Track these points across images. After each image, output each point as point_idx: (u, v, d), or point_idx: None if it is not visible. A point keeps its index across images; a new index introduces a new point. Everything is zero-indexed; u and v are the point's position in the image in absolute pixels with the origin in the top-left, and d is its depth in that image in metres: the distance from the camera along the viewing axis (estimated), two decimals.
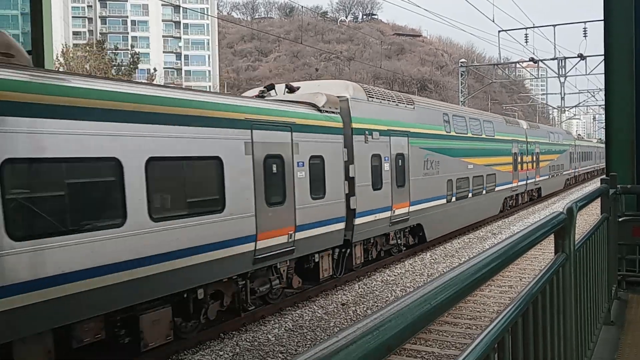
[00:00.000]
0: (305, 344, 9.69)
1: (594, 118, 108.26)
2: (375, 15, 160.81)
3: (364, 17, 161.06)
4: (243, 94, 14.51)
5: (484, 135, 22.28)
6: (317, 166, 12.08)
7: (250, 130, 10.17)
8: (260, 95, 13.36)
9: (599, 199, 5.48)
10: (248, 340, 9.80)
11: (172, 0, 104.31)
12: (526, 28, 38.23)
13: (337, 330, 5.10)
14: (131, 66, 69.07)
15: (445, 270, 1.81)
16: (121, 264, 7.66)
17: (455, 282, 1.56)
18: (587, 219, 17.66)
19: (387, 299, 12.41)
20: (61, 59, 53.69)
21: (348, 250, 13.49)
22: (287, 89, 13.83)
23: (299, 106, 12.27)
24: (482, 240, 19.77)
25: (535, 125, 35.47)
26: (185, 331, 9.38)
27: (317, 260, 12.45)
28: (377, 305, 11.84)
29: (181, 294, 8.98)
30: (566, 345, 3.20)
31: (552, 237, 3.16)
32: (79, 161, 7.27)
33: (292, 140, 11.33)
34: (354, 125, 13.47)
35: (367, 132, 13.97)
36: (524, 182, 27.63)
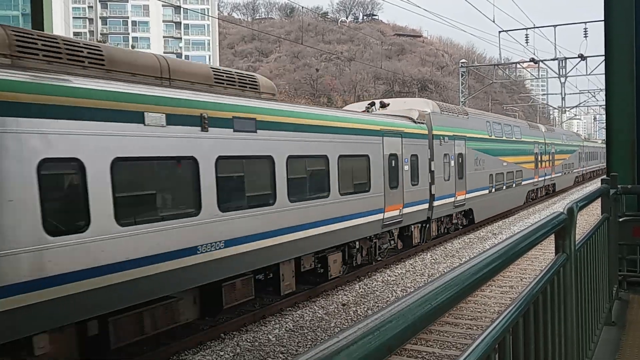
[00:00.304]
0: (306, 345, 9.69)
1: (595, 118, 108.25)
2: (375, 15, 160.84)
3: (365, 17, 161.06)
4: (347, 107, 20.55)
5: (513, 138, 26.53)
6: (414, 162, 16.61)
7: (382, 137, 14.80)
8: (367, 110, 17.90)
9: (600, 199, 5.48)
10: (249, 340, 9.80)
11: (173, 0, 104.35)
12: (527, 28, 38.22)
13: (338, 330, 5.10)
14: None
15: (445, 271, 1.80)
16: (330, 220, 12.55)
17: (456, 282, 1.56)
18: (588, 219, 17.65)
19: (387, 299, 12.41)
20: None
21: (427, 225, 17.95)
22: (380, 105, 18.29)
23: (403, 119, 16.83)
24: (482, 240, 19.77)
25: (551, 128, 40.68)
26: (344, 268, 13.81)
27: (412, 230, 17.06)
28: (377, 306, 11.84)
29: (346, 244, 13.67)
30: (567, 345, 3.20)
31: (552, 237, 3.16)
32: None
33: (402, 143, 15.85)
34: (434, 132, 17.96)
35: (441, 137, 18.44)
36: (543, 178, 31.76)
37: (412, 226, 16.99)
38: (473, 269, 1.70)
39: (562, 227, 3.17)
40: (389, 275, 14.58)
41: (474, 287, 1.69)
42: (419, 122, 17.27)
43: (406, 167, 16.12)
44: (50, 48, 7.50)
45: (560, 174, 36.34)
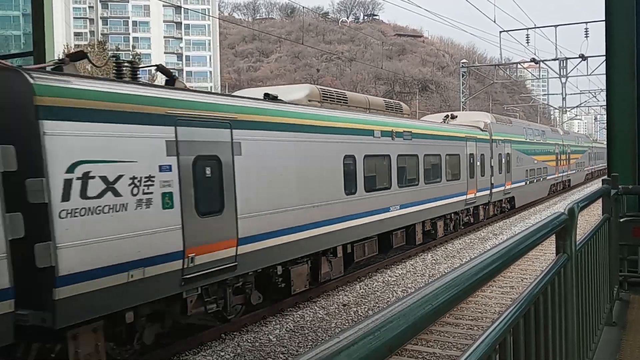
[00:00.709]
0: (307, 345, 9.69)
1: (596, 119, 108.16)
2: (376, 15, 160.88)
3: (365, 17, 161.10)
4: (424, 118, 25.98)
5: (541, 140, 32.46)
6: (482, 159, 22.31)
7: (465, 142, 20.73)
8: (444, 121, 22.48)
9: (600, 200, 5.48)
10: (249, 340, 9.80)
11: (173, 1, 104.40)
12: (527, 28, 38.23)
13: (339, 331, 5.10)
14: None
15: (446, 271, 1.82)
16: (440, 197, 18.32)
17: (457, 282, 1.56)
18: (589, 219, 17.65)
19: (388, 299, 12.41)
20: None
21: (487, 207, 23.60)
22: (450, 117, 23.21)
23: (474, 128, 22.73)
24: (483, 240, 19.77)
25: (567, 131, 48.68)
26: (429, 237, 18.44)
27: (479, 209, 22.85)
28: (378, 306, 11.84)
29: (444, 215, 19.13)
30: (568, 346, 3.20)
31: (553, 237, 3.15)
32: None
33: (476, 146, 21.72)
34: (493, 137, 23.92)
35: (497, 141, 24.34)
36: (561, 175, 37.13)
37: (481, 207, 22.90)
38: (474, 269, 1.70)
39: (562, 228, 3.17)
40: (389, 276, 14.58)
41: (474, 288, 1.69)
42: (484, 130, 23.54)
43: (478, 163, 21.90)
44: (338, 96, 14.33)
45: (574, 172, 41.34)
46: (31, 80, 6.67)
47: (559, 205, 29.25)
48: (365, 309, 11.67)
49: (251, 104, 10.31)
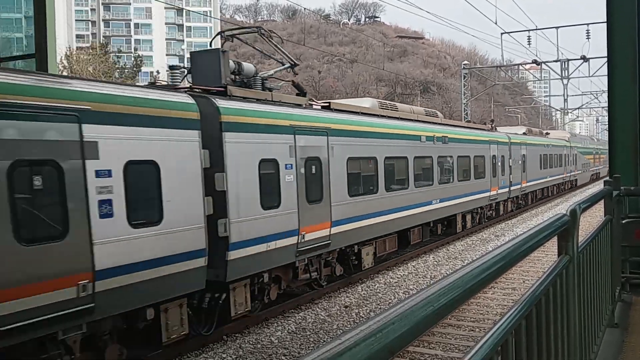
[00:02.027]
0: (308, 347, 9.68)
1: (597, 120, 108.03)
2: (377, 17, 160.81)
3: (367, 19, 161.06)
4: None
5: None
6: (502, 160, 24.97)
7: (489, 145, 23.32)
8: (492, 128, 27.47)
9: (602, 201, 5.47)
10: (251, 342, 9.80)
11: (175, 3, 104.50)
12: (529, 30, 38.18)
13: (340, 332, 5.10)
14: (134, 69, 69.20)
15: (448, 273, 1.81)
16: (469, 193, 20.86)
17: (459, 284, 1.56)
18: (591, 221, 17.61)
19: (390, 301, 12.40)
20: (65, 62, 53.83)
21: (506, 203, 26.38)
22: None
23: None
24: (485, 242, 19.75)
25: (575, 133, 59.53)
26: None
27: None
28: (380, 308, 11.83)
29: (472, 210, 21.88)
30: (570, 347, 3.19)
31: (555, 239, 3.15)
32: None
33: (497, 148, 24.22)
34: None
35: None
36: (569, 174, 41.72)
37: (500, 202, 25.30)
38: (475, 271, 1.70)
39: (564, 229, 3.17)
40: (391, 277, 14.56)
41: (476, 290, 1.68)
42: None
43: (499, 163, 24.33)
44: (391, 107, 17.33)
45: (580, 172, 45.22)
46: (217, 104, 9.54)
47: (561, 207, 29.20)
48: (367, 311, 11.66)
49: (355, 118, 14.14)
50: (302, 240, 11.28)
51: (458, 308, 1.54)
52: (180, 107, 8.78)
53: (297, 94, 13.20)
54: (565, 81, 41.27)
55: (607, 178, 6.60)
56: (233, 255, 9.49)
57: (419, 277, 14.59)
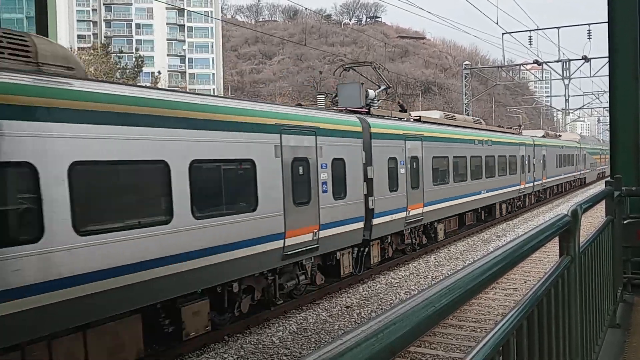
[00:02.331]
0: (310, 347, 9.68)
1: (599, 120, 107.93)
2: (379, 18, 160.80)
3: (368, 20, 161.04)
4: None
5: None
6: (529, 159, 29.01)
7: (519, 146, 27.28)
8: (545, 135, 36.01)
9: (604, 202, 5.47)
10: (252, 343, 9.80)
11: (177, 3, 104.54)
12: (530, 30, 38.15)
13: (342, 333, 5.09)
14: (136, 69, 69.27)
15: (449, 273, 1.82)
16: (506, 186, 25.38)
17: (460, 284, 1.56)
18: (592, 221, 17.60)
19: (391, 301, 12.39)
20: None
21: (530, 195, 30.60)
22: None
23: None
24: (486, 242, 19.74)
25: (584, 135, 64.24)
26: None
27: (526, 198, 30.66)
28: (381, 308, 11.83)
29: (507, 200, 26.13)
30: (571, 348, 3.19)
31: (557, 239, 3.15)
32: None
33: (525, 149, 28.27)
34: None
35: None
36: (580, 172, 46.03)
37: (526, 195, 29.75)
38: (477, 271, 1.70)
39: (566, 230, 3.16)
40: (392, 278, 14.56)
41: (477, 290, 1.68)
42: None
43: (526, 162, 28.64)
44: (452, 117, 22.56)
45: (588, 171, 49.67)
46: (368, 121, 14.26)
47: (562, 207, 29.19)
48: (368, 311, 11.65)
49: (433, 127, 18.67)
50: (408, 215, 16.01)
51: (459, 308, 1.54)
52: (354, 124, 13.66)
53: (400, 111, 18.62)
54: (566, 81, 41.19)
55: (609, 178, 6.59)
56: (375, 221, 14.13)
57: (420, 278, 14.59)
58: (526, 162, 28.61)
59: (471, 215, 22.36)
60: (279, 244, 10.49)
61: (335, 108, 15.20)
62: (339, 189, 12.64)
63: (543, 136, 36.11)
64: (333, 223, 12.28)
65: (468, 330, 10.07)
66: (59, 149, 6.77)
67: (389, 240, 15.57)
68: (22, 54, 7.20)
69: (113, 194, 7.55)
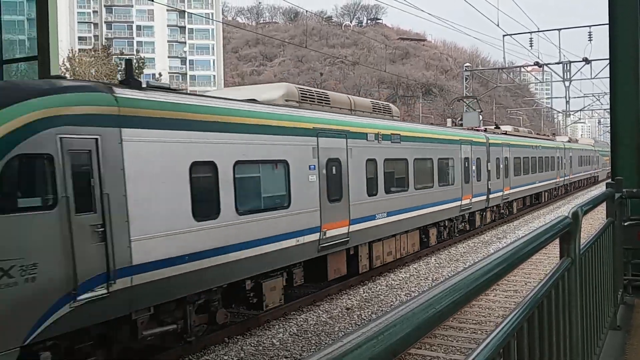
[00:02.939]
0: (310, 349, 9.67)
1: (599, 122, 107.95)
2: (379, 19, 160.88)
3: (369, 21, 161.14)
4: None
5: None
6: (561, 160, 37.54)
7: (556, 150, 36.45)
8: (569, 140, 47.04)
9: (604, 203, 5.46)
10: (252, 344, 9.79)
11: (177, 5, 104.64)
12: (531, 32, 38.17)
13: (342, 334, 5.09)
14: (137, 71, 69.29)
15: (450, 275, 1.80)
16: (536, 181, 31.22)
17: (460, 286, 1.56)
18: (593, 223, 17.59)
19: (392, 303, 12.38)
20: (67, 64, 53.89)
21: (560, 188, 38.50)
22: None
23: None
24: (486, 244, 19.73)
25: (598, 139, 72.85)
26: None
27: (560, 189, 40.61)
28: (381, 310, 11.82)
29: (547, 190, 34.52)
30: (572, 350, 3.19)
31: (557, 241, 3.15)
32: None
33: (557, 151, 36.64)
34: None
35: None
36: (594, 171, 54.54)
37: (559, 187, 37.63)
38: (477, 273, 1.70)
39: (567, 231, 3.16)
40: (393, 280, 14.55)
41: (478, 292, 1.68)
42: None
43: (560, 162, 36.64)
44: (517, 129, 32.68)
45: (601, 170, 57.42)
46: (487, 136, 23.06)
47: (563, 209, 29.20)
48: (369, 313, 11.64)
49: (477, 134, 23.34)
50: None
51: (460, 310, 1.54)
52: (483, 137, 22.14)
53: (495, 128, 27.85)
54: (567, 83, 41.23)
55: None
56: (492, 195, 22.61)
57: (421, 279, 14.58)
58: (560, 162, 37.01)
59: (528, 199, 30.63)
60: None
61: (463, 127, 25.32)
62: (478, 174, 21.38)
63: (568, 141, 45.80)
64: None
65: (468, 332, 10.06)
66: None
67: (497, 205, 24.46)
68: (387, 112, 16.08)
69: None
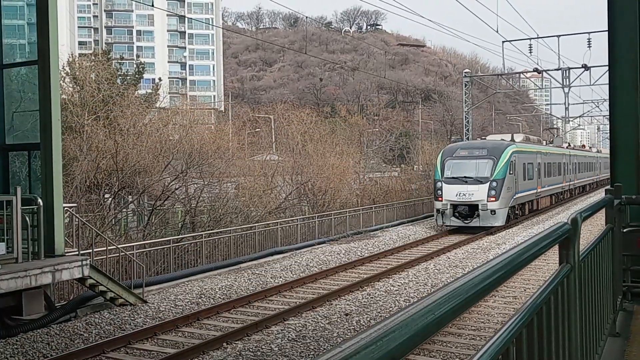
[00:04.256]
0: (309, 354, 9.65)
1: (599, 128, 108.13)
2: (379, 25, 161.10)
3: (368, 27, 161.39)
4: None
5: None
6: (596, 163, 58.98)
7: (595, 157, 57.49)
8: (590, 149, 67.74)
9: (604, 210, 5.46)
10: (251, 349, 9.77)
11: (177, 10, 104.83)
12: (530, 38, 38.28)
13: (341, 340, 5.08)
14: (136, 76, 69.31)
15: (449, 280, 1.80)
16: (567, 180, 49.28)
17: (460, 292, 1.55)
18: (592, 229, 17.59)
19: (390, 309, 12.37)
20: (67, 69, 53.83)
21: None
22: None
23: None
24: (486, 250, 19.71)
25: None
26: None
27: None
28: (380, 316, 11.80)
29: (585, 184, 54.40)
30: (571, 356, 3.18)
31: (556, 247, 3.15)
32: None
33: (597, 159, 59.77)
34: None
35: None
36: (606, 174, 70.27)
37: (593, 183, 55.44)
38: (477, 279, 1.70)
39: (566, 238, 3.16)
40: (391, 285, 14.53)
41: (477, 298, 1.68)
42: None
43: (593, 166, 54.41)
44: (577, 146, 61.52)
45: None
46: (569, 149, 44.50)
47: (562, 215, 29.23)
48: (368, 319, 11.62)
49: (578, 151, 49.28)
50: (564, 185, 40.15)
51: (459, 316, 1.54)
52: (568, 152, 43.15)
53: (567, 146, 46.89)
54: (566, 89, 41.31)
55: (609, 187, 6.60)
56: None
57: (420, 285, 14.56)
58: (594, 166, 51.63)
59: (566, 193, 40.78)
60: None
61: (557, 145, 41.17)
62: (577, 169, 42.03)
63: (598, 150, 61.42)
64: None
65: (467, 339, 10.04)
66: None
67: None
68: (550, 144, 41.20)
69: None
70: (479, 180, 25.06)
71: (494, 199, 24.48)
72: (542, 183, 32.26)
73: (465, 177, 25.39)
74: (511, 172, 25.89)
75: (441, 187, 25.65)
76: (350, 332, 10.81)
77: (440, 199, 25.60)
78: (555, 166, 36.24)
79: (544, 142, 45.03)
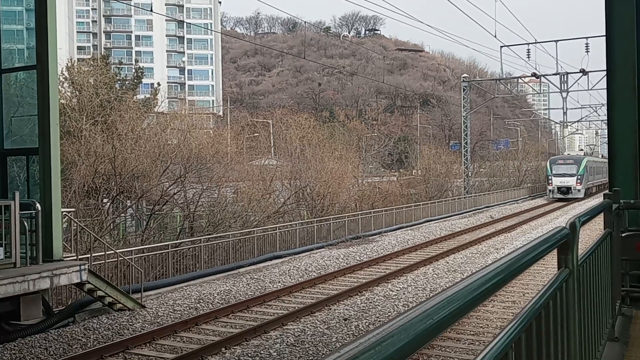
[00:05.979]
0: (307, 359, 9.63)
1: (597, 133, 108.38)
2: (377, 30, 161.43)
3: (367, 32, 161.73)
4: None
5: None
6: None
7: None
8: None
9: (602, 214, 5.46)
10: (250, 354, 9.75)
11: (176, 15, 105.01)
12: (528, 43, 38.41)
13: (339, 345, 5.06)
14: (135, 81, 69.35)
15: (447, 285, 1.79)
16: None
17: (458, 297, 1.55)
18: (590, 234, 17.60)
19: (389, 313, 12.35)
20: (66, 74, 53.83)
21: None
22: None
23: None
24: (484, 255, 19.71)
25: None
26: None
27: None
28: (379, 320, 11.78)
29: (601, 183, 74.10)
30: None
31: (555, 252, 3.14)
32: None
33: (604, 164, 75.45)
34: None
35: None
36: None
37: None
38: (475, 283, 1.70)
39: (564, 242, 3.16)
40: (390, 290, 14.52)
41: (476, 302, 1.68)
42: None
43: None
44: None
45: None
46: (582, 159, 61.16)
47: (561, 220, 29.22)
48: (366, 323, 11.61)
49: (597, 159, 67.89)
50: (603, 181, 57.68)
51: (458, 321, 1.54)
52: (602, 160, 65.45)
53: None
54: (564, 94, 41.43)
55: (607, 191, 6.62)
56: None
57: (419, 290, 14.55)
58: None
59: (602, 185, 51.84)
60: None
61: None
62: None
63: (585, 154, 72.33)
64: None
65: (466, 343, 10.03)
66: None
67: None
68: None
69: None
70: (570, 175, 50.00)
71: (579, 184, 49.69)
72: (595, 177, 56.00)
73: (563, 173, 50.06)
74: (586, 172, 51.18)
75: (551, 178, 50.53)
76: (349, 337, 10.80)
77: (550, 184, 50.68)
78: (599, 169, 56.84)
79: (600, 155, 65.78)
